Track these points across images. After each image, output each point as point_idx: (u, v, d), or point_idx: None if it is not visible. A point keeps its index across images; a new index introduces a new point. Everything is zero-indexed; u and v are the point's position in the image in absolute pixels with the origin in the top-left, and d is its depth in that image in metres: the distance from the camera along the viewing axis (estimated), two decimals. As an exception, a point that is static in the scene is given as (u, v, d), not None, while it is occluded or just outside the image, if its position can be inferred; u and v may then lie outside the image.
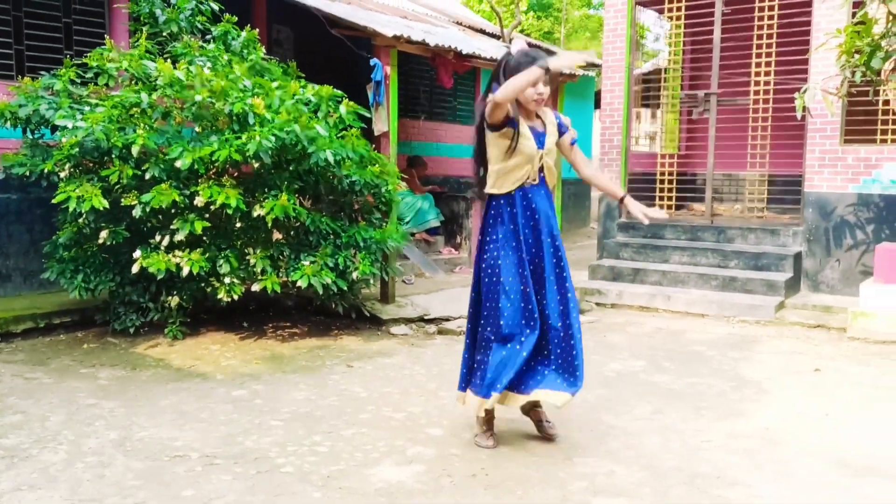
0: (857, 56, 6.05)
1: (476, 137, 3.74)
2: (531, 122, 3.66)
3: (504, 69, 3.57)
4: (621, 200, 3.89)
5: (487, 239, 3.71)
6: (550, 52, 3.71)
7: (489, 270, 3.67)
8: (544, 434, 3.89)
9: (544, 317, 3.67)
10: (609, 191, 4.03)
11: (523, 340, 3.59)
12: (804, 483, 3.42)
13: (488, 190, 3.69)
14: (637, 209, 3.79)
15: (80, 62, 5.87)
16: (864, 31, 5.89)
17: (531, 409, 3.93)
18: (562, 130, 3.78)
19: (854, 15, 6.87)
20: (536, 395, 3.65)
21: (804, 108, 6.26)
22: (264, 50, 6.63)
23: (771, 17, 8.10)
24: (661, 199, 9.06)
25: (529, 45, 3.77)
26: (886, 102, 7.10)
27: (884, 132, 7.47)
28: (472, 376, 3.77)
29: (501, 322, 3.59)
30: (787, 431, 4.10)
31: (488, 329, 3.67)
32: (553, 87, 9.74)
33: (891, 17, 5.77)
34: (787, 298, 7.37)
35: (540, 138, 3.65)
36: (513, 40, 3.77)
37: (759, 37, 8.19)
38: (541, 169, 3.67)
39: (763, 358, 5.72)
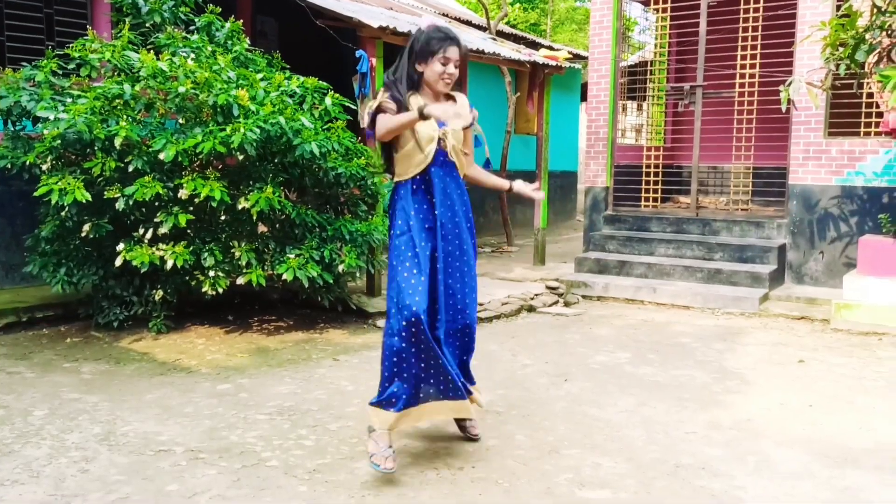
0: (841, 49, 6.08)
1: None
2: (436, 102, 3.40)
3: (413, 47, 3.38)
4: (510, 190, 3.75)
5: (392, 233, 3.47)
6: (450, 35, 3.37)
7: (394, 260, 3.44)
8: (468, 435, 3.78)
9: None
10: (497, 185, 3.80)
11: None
12: (786, 474, 3.45)
13: (396, 178, 3.50)
14: (524, 189, 3.70)
15: (61, 53, 5.80)
16: (849, 23, 5.92)
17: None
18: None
19: (839, 8, 6.91)
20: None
21: (789, 101, 6.29)
22: (248, 41, 6.57)
23: (756, 10, 8.12)
24: (647, 191, 9.09)
25: (439, 22, 3.49)
26: (870, 95, 7.16)
27: (867, 125, 7.52)
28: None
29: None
30: (770, 423, 4.13)
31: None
32: (539, 79, 9.62)
33: (875, 10, 5.80)
34: (772, 290, 7.41)
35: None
36: (422, 15, 3.51)
37: (745, 29, 8.21)
38: (445, 153, 3.44)
39: (747, 350, 5.76)
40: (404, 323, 3.27)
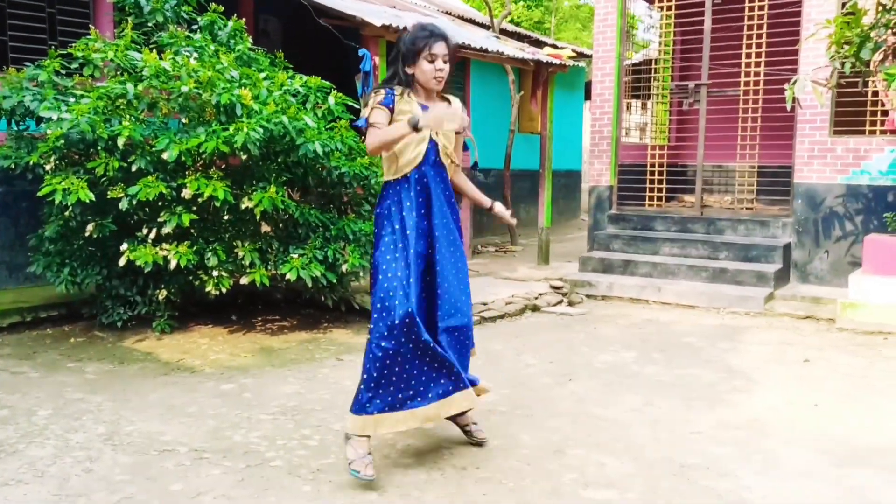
0: (846, 47, 6.05)
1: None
2: (430, 101, 3.38)
3: (401, 50, 3.33)
4: (490, 209, 3.70)
5: (380, 233, 3.40)
6: (439, 34, 3.31)
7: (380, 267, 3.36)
8: (473, 440, 3.71)
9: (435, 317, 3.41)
10: (478, 201, 3.74)
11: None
12: (792, 474, 3.43)
13: (384, 177, 3.44)
14: (503, 212, 3.71)
15: (64, 53, 5.79)
16: (854, 21, 5.90)
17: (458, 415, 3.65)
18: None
19: (844, 5, 6.88)
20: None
21: (794, 100, 6.27)
22: (251, 40, 6.56)
23: (761, 8, 8.09)
24: (651, 190, 9.06)
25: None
26: (876, 93, 7.12)
27: (873, 123, 7.49)
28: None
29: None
30: (776, 422, 4.12)
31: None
32: (543, 77, 9.59)
33: (880, 8, 5.77)
34: (777, 290, 7.39)
35: None
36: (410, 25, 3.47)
37: (750, 27, 8.18)
38: (437, 152, 3.41)
39: (752, 349, 5.73)
40: (397, 322, 3.20)
